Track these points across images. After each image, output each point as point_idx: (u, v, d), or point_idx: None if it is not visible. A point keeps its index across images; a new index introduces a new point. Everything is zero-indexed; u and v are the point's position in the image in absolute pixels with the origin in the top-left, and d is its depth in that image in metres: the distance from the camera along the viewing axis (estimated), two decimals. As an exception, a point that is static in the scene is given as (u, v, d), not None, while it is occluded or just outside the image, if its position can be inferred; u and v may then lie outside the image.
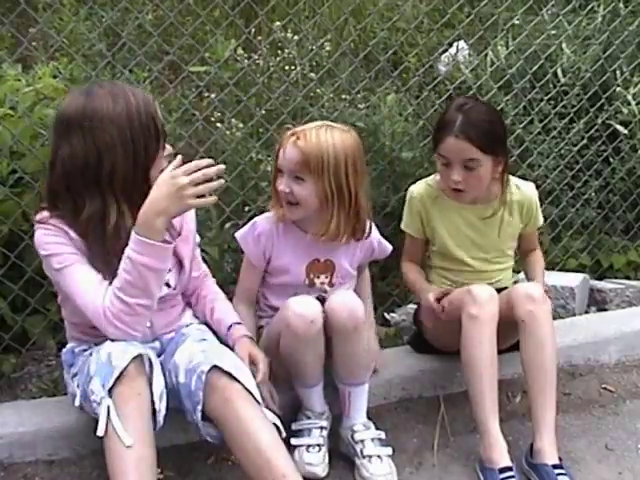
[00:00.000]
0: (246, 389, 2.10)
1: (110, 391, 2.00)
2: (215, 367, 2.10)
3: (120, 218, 2.14)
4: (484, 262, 2.73)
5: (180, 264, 2.34)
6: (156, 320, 2.30)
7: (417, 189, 2.74)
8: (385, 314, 3.27)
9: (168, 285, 2.31)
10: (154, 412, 2.07)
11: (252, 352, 2.32)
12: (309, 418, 2.42)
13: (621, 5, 3.86)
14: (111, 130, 2.10)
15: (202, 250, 2.95)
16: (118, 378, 2.00)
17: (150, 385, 2.06)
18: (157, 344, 2.34)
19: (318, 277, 2.50)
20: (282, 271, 2.49)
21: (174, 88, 3.18)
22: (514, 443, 2.49)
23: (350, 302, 2.32)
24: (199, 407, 2.10)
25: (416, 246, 2.80)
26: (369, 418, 2.47)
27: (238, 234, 2.52)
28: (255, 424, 2.07)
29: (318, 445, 2.37)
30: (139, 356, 2.05)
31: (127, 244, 2.08)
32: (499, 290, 2.54)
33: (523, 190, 2.73)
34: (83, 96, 2.15)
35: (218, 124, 3.21)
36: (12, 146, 2.69)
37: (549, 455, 2.33)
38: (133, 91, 2.17)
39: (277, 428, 2.12)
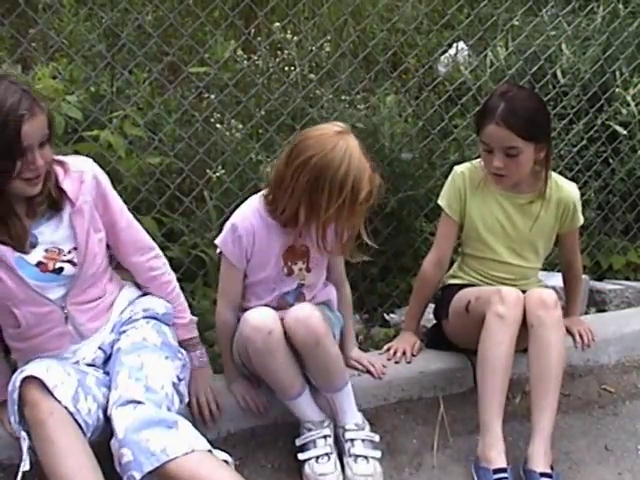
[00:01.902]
0: (184, 454, 2.00)
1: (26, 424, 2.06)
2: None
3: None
4: (512, 253, 2.75)
5: (76, 239, 2.24)
6: (76, 316, 2.26)
7: (461, 167, 2.76)
8: (385, 315, 3.27)
9: (74, 264, 2.23)
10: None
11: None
12: (310, 430, 2.39)
13: (620, 6, 3.86)
14: None
15: (202, 251, 2.96)
16: (25, 407, 2.05)
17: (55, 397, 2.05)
18: (100, 353, 2.30)
19: (296, 264, 2.47)
20: (261, 266, 2.45)
21: (174, 89, 3.19)
22: (513, 444, 2.49)
23: (305, 317, 2.29)
24: None
25: (449, 230, 2.76)
26: (368, 419, 2.47)
27: (218, 240, 2.45)
28: (205, 478, 1.99)
29: (326, 454, 2.35)
30: (28, 378, 2.06)
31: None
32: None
33: (564, 189, 2.74)
34: None
35: (218, 125, 3.20)
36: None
37: (538, 462, 2.33)
38: (4, 98, 2.01)
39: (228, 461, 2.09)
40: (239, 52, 3.47)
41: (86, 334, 2.28)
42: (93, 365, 2.28)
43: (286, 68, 3.51)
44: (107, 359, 2.31)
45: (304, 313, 2.30)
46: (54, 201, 2.21)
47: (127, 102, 3.07)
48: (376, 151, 3.23)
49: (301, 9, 3.98)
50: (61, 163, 2.24)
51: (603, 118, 3.68)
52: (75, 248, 2.23)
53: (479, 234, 2.74)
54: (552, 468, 2.34)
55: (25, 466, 2.04)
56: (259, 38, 3.60)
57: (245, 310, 2.41)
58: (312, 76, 3.42)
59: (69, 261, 2.22)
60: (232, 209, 3.01)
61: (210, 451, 2.04)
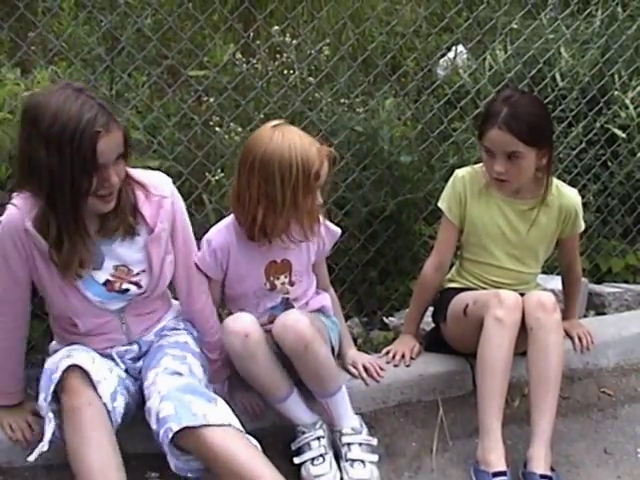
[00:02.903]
0: (221, 424, 2.06)
1: (59, 404, 2.07)
2: (186, 427, 2.02)
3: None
4: (512, 259, 2.75)
5: (150, 265, 2.27)
6: (132, 325, 2.32)
7: (462, 171, 2.76)
8: (384, 318, 3.27)
9: (139, 286, 2.27)
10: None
11: None
12: (304, 433, 2.40)
13: (619, 9, 3.87)
14: (38, 144, 1.98)
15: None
16: (62, 392, 2.05)
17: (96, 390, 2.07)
18: (135, 347, 2.34)
19: (278, 278, 2.48)
20: (241, 279, 2.47)
21: (173, 92, 3.18)
22: (512, 447, 2.50)
23: (292, 323, 2.29)
24: (169, 457, 2.09)
25: (448, 234, 2.76)
26: (367, 423, 2.47)
27: (196, 258, 2.42)
28: (238, 455, 2.04)
29: (321, 455, 2.36)
30: (74, 366, 2.07)
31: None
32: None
33: (565, 195, 2.74)
34: (42, 94, 2.05)
35: (217, 128, 3.20)
36: (11, 150, 2.70)
37: (538, 464, 2.34)
38: (81, 114, 1.96)
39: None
40: (238, 55, 3.48)
41: (133, 339, 2.34)
42: (121, 358, 2.31)
43: (285, 71, 3.51)
44: (138, 358, 2.34)
45: (291, 319, 2.30)
46: (130, 225, 2.21)
47: (126, 105, 3.07)
48: (375, 154, 3.23)
49: (300, 12, 3.99)
50: (142, 186, 2.23)
51: (602, 121, 3.68)
52: (144, 270, 2.26)
53: (479, 239, 2.74)
54: (552, 470, 2.35)
55: (44, 447, 2.05)
56: (258, 41, 3.59)
57: None
58: (311, 79, 3.42)
59: (136, 283, 2.26)
60: (231, 213, 3.02)
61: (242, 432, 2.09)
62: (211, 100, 3.27)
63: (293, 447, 2.40)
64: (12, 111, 2.74)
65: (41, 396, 2.11)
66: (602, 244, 3.78)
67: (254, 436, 2.18)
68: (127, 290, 2.25)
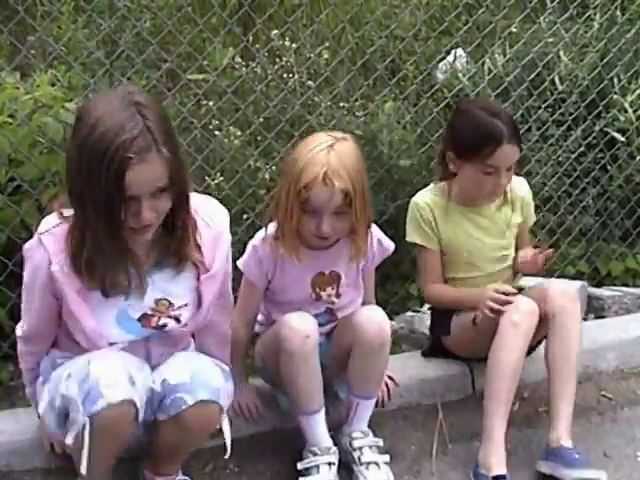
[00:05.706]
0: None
1: (92, 416, 1.84)
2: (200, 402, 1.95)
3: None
4: (495, 262, 2.74)
5: (199, 303, 2.09)
6: (154, 354, 2.11)
7: (423, 199, 2.71)
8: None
9: (178, 320, 2.07)
10: None
11: None
12: (315, 455, 2.33)
13: (618, 13, 3.87)
14: (74, 150, 1.82)
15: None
16: (105, 409, 1.83)
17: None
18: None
19: (324, 290, 2.44)
20: (286, 289, 2.43)
21: (172, 96, 3.19)
22: (512, 450, 2.48)
23: (379, 319, 2.34)
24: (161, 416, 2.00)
25: (434, 260, 2.72)
26: (368, 426, 2.46)
27: (240, 263, 2.40)
28: None
29: None
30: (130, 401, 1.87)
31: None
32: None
33: (520, 185, 2.76)
34: (97, 97, 1.98)
35: (216, 132, 3.21)
36: (10, 154, 2.71)
37: (566, 441, 2.37)
38: (119, 131, 1.74)
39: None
40: (237, 59, 3.48)
41: (152, 365, 2.11)
42: None
43: (284, 75, 3.51)
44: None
45: (379, 314, 2.36)
46: (197, 261, 2.04)
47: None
48: (374, 158, 3.24)
49: (299, 16, 3.98)
50: (201, 217, 2.05)
51: (601, 125, 3.68)
52: (186, 304, 2.07)
53: (463, 258, 2.71)
54: None
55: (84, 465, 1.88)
56: (257, 45, 3.60)
57: (271, 324, 2.44)
58: (310, 83, 3.43)
59: (175, 317, 2.07)
60: (231, 216, 3.01)
61: None
62: (210, 104, 3.27)
63: (300, 467, 2.33)
64: (12, 115, 2.74)
65: (80, 395, 1.85)
66: (601, 247, 3.78)
67: (255, 439, 2.19)
68: (164, 325, 2.06)
